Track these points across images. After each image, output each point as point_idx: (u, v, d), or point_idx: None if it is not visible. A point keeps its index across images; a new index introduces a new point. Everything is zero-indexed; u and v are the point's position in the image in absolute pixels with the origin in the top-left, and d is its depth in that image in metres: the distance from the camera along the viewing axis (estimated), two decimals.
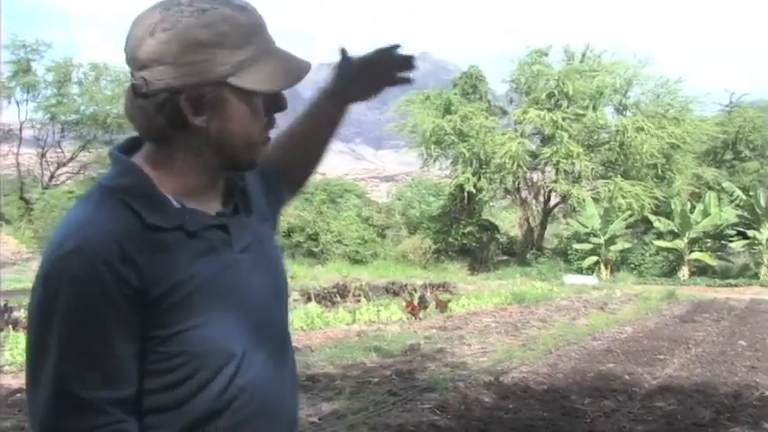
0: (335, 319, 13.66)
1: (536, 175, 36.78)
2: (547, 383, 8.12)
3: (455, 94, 35.64)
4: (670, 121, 33.63)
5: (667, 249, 30.66)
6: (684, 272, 29.73)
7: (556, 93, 33.82)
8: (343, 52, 1.67)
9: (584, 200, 31.73)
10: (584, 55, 36.23)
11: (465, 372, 8.69)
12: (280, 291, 1.47)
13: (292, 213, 32.80)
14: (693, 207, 31.07)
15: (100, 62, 42.16)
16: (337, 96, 1.70)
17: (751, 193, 31.29)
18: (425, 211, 40.31)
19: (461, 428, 6.24)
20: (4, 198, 37.84)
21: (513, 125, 35.91)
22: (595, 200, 31.93)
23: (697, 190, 34.42)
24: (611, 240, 30.41)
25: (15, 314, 12.27)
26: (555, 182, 34.12)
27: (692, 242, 30.19)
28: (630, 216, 31.08)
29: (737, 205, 31.46)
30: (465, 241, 35.25)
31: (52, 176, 41.85)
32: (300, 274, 25.94)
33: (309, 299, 16.13)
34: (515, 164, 32.66)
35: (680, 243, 29.93)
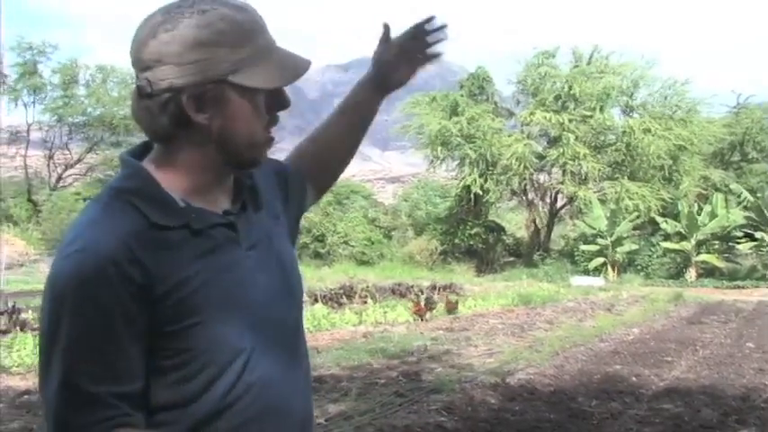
0: (342, 321, 13.67)
1: (543, 177, 36.78)
2: (553, 385, 8.10)
3: (461, 95, 35.63)
4: (677, 122, 33.59)
5: (674, 251, 30.60)
6: (692, 273, 29.66)
7: (563, 94, 33.81)
8: (386, 28, 1.69)
9: (590, 201, 31.70)
10: (591, 56, 36.19)
11: (471, 373, 8.68)
12: (290, 288, 1.48)
13: None
14: (701, 209, 31.02)
15: (107, 64, 42.26)
16: (373, 84, 1.73)
17: (758, 195, 31.24)
18: (432, 213, 40.31)
19: (468, 430, 6.24)
20: (11, 200, 37.96)
21: (520, 127, 35.91)
22: (602, 201, 31.90)
23: (704, 191, 34.36)
24: (617, 242, 30.37)
25: (23, 316, 12.30)
26: (562, 183, 34.10)
27: (700, 244, 30.13)
28: (637, 218, 31.05)
29: (745, 207, 31.39)
30: (471, 243, 35.23)
31: (59, 178, 41.97)
32: (307, 276, 25.92)
33: (316, 300, 16.14)
34: (522, 165, 32.66)
35: (687, 245, 29.86)
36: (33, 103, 40.59)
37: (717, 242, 31.08)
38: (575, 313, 16.08)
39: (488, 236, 36.10)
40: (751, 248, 30.12)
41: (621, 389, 7.91)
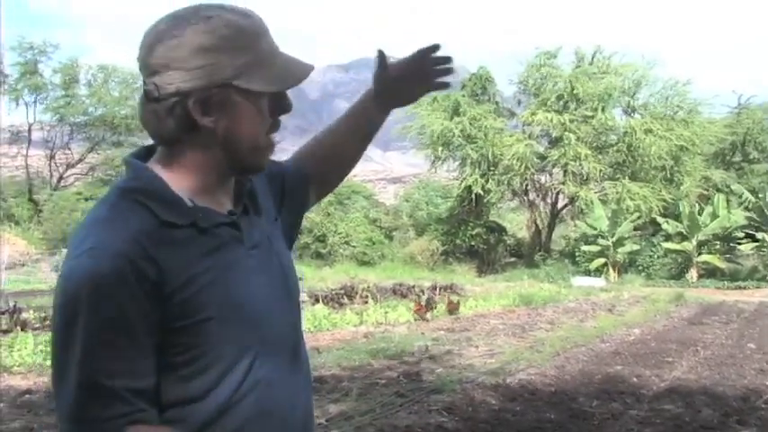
0: (343, 321, 13.67)
1: (544, 177, 36.75)
2: (554, 385, 8.10)
3: (463, 95, 35.59)
4: (678, 123, 33.57)
5: (676, 251, 30.58)
6: (693, 274, 29.64)
7: (564, 95, 33.79)
8: (380, 55, 1.68)
9: (592, 202, 31.69)
10: (593, 57, 36.17)
11: (472, 373, 8.69)
12: (290, 290, 1.51)
13: None
14: (702, 209, 30.99)
15: (108, 64, 42.31)
16: (377, 99, 1.73)
17: (760, 196, 31.22)
18: (433, 213, 40.32)
19: (468, 430, 6.24)
20: (13, 200, 37.97)
21: (522, 127, 35.90)
22: (603, 202, 31.88)
23: (705, 192, 34.36)
24: (619, 242, 30.35)
25: (24, 315, 12.31)
26: (563, 184, 34.09)
27: (701, 244, 30.11)
28: (638, 218, 31.03)
29: (746, 207, 31.39)
30: (473, 243, 35.23)
31: (61, 178, 42.00)
32: (308, 276, 25.95)
33: (317, 300, 16.14)
34: (523, 166, 32.65)
35: (688, 245, 29.85)
36: (34, 102, 40.65)
37: (718, 243, 31.05)
38: (576, 314, 16.08)
39: (489, 236, 36.09)
40: (752, 249, 30.10)
41: (622, 389, 7.91)
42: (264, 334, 1.38)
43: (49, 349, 9.32)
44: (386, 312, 14.80)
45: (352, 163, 1.80)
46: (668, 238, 31.05)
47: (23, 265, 28.19)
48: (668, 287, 26.17)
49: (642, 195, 31.83)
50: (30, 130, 41.32)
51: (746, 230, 30.32)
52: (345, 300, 16.92)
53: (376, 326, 13.39)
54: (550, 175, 36.38)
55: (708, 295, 22.47)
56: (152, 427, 1.28)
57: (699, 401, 7.33)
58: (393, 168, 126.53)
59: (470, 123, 33.70)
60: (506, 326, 13.60)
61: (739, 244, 30.51)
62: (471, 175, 33.90)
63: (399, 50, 1.69)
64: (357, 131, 1.76)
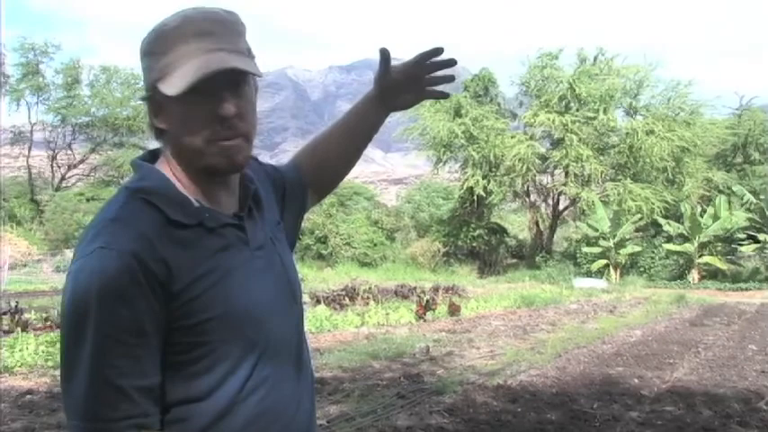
0: (344, 322, 13.68)
1: (545, 178, 36.74)
2: (555, 387, 8.10)
3: (465, 96, 35.59)
4: (680, 124, 33.55)
5: (677, 253, 30.57)
6: (694, 275, 29.64)
7: (567, 96, 33.78)
8: (383, 53, 1.66)
9: (593, 203, 31.67)
10: (595, 58, 36.15)
11: (473, 375, 8.69)
12: (293, 292, 1.51)
13: None
14: (703, 210, 31.00)
15: (111, 65, 42.36)
16: (377, 102, 1.73)
17: (761, 197, 31.19)
18: (434, 214, 40.31)
19: (469, 431, 6.24)
20: (14, 200, 38.01)
21: (523, 128, 35.89)
22: (605, 203, 31.86)
23: (707, 193, 34.35)
24: (620, 244, 30.34)
25: (26, 316, 12.32)
26: (564, 185, 34.07)
27: (702, 246, 30.10)
28: (640, 219, 31.01)
29: (748, 209, 31.36)
30: (474, 244, 35.23)
31: (63, 178, 42.05)
32: (310, 277, 25.98)
33: (318, 301, 16.15)
34: (525, 167, 32.65)
35: (690, 247, 29.84)
36: (36, 103, 40.72)
37: (719, 244, 31.05)
38: (577, 315, 16.08)
39: (491, 237, 36.09)
40: (754, 250, 30.09)
41: (623, 391, 7.91)
42: (268, 335, 1.39)
43: (50, 350, 9.38)
44: (387, 313, 14.81)
45: (351, 164, 1.80)
46: (670, 239, 31.05)
47: (25, 265, 28.24)
48: (669, 288, 26.18)
49: (644, 196, 31.81)
50: (31, 131, 41.38)
51: (748, 232, 30.29)
52: (347, 301, 16.93)
53: (377, 327, 13.39)
54: (552, 176, 36.38)
55: (709, 297, 22.48)
56: None
57: (700, 403, 7.32)
58: (394, 170, 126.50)
59: (472, 124, 33.71)
60: (507, 327, 13.61)
61: (741, 245, 30.48)
62: (473, 176, 33.90)
63: (400, 51, 1.69)
64: (356, 133, 1.76)
